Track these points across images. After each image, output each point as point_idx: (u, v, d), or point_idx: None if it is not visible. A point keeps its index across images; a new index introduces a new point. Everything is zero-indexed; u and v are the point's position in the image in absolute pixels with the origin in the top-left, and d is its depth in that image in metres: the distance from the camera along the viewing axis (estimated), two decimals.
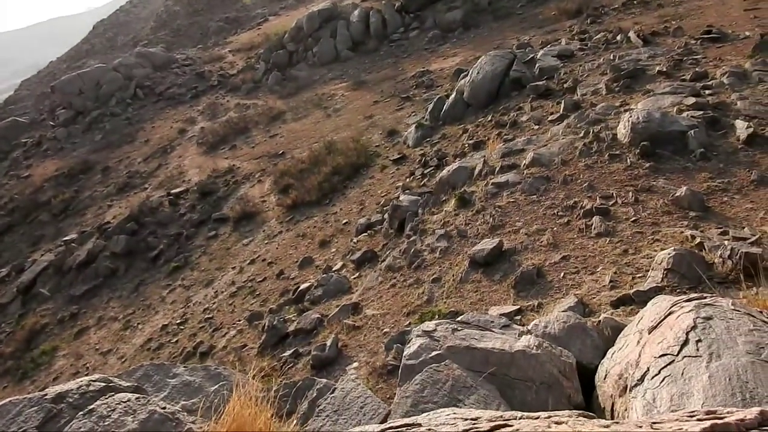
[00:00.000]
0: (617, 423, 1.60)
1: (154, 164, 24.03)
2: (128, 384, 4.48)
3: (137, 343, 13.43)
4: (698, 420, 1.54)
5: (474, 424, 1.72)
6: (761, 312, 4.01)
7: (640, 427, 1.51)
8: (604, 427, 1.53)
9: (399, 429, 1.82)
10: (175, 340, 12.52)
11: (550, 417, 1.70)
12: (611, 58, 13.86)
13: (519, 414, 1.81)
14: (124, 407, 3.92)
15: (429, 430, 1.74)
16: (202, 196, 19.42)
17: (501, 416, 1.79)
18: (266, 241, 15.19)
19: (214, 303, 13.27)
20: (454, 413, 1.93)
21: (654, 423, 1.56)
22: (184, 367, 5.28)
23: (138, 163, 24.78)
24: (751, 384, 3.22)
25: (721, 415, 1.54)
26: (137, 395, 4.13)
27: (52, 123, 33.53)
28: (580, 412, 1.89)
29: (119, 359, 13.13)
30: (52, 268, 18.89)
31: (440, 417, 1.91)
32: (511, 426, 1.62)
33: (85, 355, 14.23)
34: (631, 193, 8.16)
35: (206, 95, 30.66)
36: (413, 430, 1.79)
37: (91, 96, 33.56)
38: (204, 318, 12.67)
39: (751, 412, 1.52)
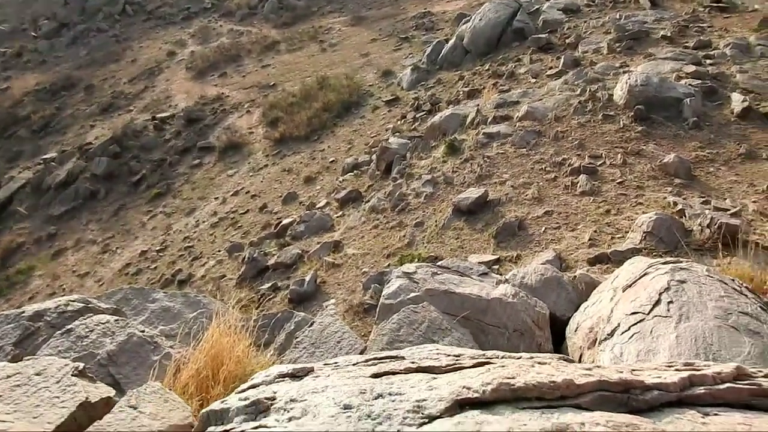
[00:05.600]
0: (598, 367, 1.67)
1: (140, 86, 23.50)
2: (107, 306, 4.50)
3: (115, 267, 13.42)
4: (676, 370, 1.61)
5: (457, 359, 1.78)
6: (733, 280, 4.11)
7: (621, 372, 1.57)
8: (586, 369, 1.60)
9: (383, 360, 1.88)
10: (153, 266, 12.53)
11: (532, 357, 1.77)
12: (617, 17, 13.69)
13: (501, 353, 1.87)
14: (103, 328, 3.95)
15: (413, 362, 1.80)
16: (189, 122, 19.10)
17: (483, 354, 1.85)
18: (251, 174, 15.11)
19: (194, 232, 13.26)
20: (437, 349, 2.00)
21: (634, 370, 1.62)
22: (164, 292, 5.32)
23: (123, 84, 24.19)
24: (716, 346, 3.34)
25: (699, 368, 1.61)
26: (116, 317, 4.15)
27: (34, 34, 32.30)
28: (561, 355, 1.96)
29: (96, 282, 13.14)
30: (30, 187, 18.52)
31: (423, 351, 1.98)
32: (494, 364, 1.68)
33: (61, 277, 14.20)
34: (620, 154, 8.21)
35: (198, 18, 29.76)
36: (397, 362, 1.85)
37: (77, 8, 32.44)
38: (184, 246, 12.67)
39: (728, 367, 1.59)
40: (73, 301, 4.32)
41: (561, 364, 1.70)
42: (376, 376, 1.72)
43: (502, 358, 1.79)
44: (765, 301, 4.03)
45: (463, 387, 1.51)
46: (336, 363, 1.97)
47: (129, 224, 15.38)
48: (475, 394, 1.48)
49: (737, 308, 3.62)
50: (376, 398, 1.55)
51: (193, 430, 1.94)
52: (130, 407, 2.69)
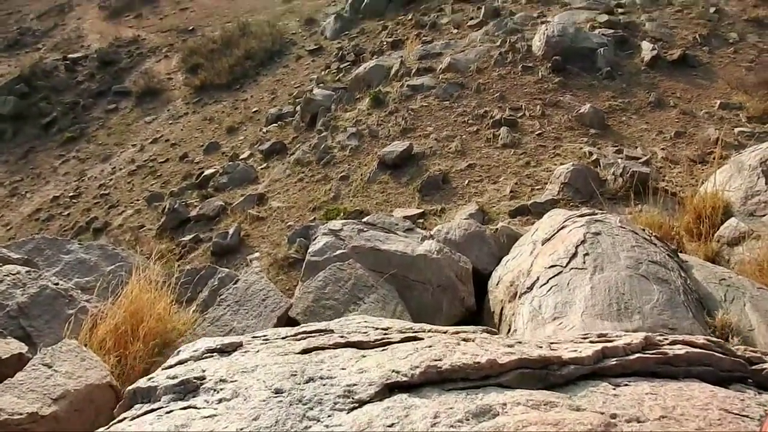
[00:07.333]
0: (520, 343, 1.75)
1: (49, 23, 22.03)
2: (18, 256, 4.33)
3: (25, 212, 12.77)
4: (591, 342, 1.70)
5: (385, 334, 1.81)
6: (644, 230, 4.34)
7: (540, 347, 1.65)
8: (509, 346, 1.67)
9: (312, 334, 1.89)
10: (66, 213, 12.00)
11: (457, 332, 1.82)
12: None
13: (428, 327, 1.92)
14: (13, 279, 3.81)
15: (341, 337, 1.83)
16: (103, 65, 18.12)
17: (411, 328, 1.90)
18: (170, 121, 14.58)
19: (111, 180, 12.74)
20: (365, 321, 2.03)
21: (552, 343, 1.71)
22: (79, 243, 5.13)
23: (31, 20, 22.61)
24: (627, 296, 3.54)
25: (611, 339, 1.71)
26: (27, 268, 4.01)
27: None
28: (484, 328, 2.04)
29: (4, 226, 12.49)
30: None
31: (351, 324, 2.00)
32: (422, 339, 1.72)
33: None
34: (539, 106, 8.43)
35: None
36: (326, 336, 1.87)
37: None
38: (99, 194, 12.17)
39: (637, 337, 1.70)
40: None
41: (485, 339, 1.77)
42: (305, 351, 1.74)
43: (429, 332, 1.84)
44: (672, 248, 4.29)
45: (392, 371, 1.55)
46: (265, 336, 1.98)
47: (39, 168, 14.59)
48: (404, 378, 1.53)
49: (647, 257, 3.82)
50: (307, 382, 1.57)
51: (119, 405, 1.91)
52: (45, 365, 2.63)
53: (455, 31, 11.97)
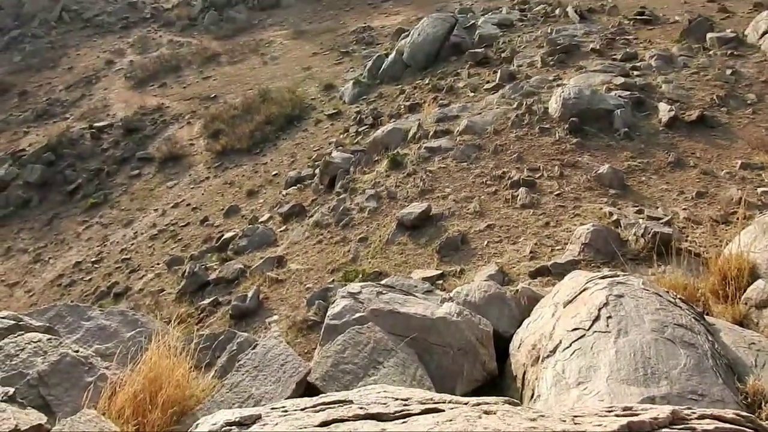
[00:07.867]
0: (543, 417, 1.70)
1: (77, 94, 22.79)
2: (39, 324, 4.35)
3: (47, 278, 12.92)
4: (616, 416, 1.65)
5: (405, 405, 1.77)
6: (668, 292, 4.25)
7: (564, 421, 1.60)
8: (531, 420, 1.62)
9: (331, 405, 1.86)
10: (88, 278, 12.13)
11: (479, 404, 1.78)
12: (548, 31, 14.16)
13: (448, 398, 1.88)
14: (34, 347, 3.83)
15: (361, 408, 1.79)
16: (127, 132, 18.62)
17: (431, 398, 1.85)
18: (192, 186, 14.83)
19: (132, 244, 12.90)
20: (385, 391, 1.99)
21: (575, 416, 1.66)
22: (100, 310, 5.15)
23: (59, 91, 23.40)
24: (653, 360, 3.44)
25: (637, 412, 1.65)
26: (49, 336, 4.03)
27: None
28: (506, 399, 1.99)
29: (26, 293, 12.63)
30: None
31: (371, 395, 1.96)
32: (442, 411, 1.68)
33: None
34: (557, 167, 8.43)
35: (137, 28, 29.12)
36: (345, 407, 1.83)
37: (12, 13, 31.38)
38: (121, 258, 12.31)
39: (664, 411, 1.64)
40: (3, 317, 4.17)
41: (507, 412, 1.72)
42: (324, 424, 1.70)
43: (449, 402, 1.79)
44: (698, 311, 4.19)
45: None
46: (284, 408, 1.94)
47: (63, 234, 14.84)
48: None
49: (672, 320, 3.74)
50: None
51: None
52: None
53: (472, 94, 12.16)
